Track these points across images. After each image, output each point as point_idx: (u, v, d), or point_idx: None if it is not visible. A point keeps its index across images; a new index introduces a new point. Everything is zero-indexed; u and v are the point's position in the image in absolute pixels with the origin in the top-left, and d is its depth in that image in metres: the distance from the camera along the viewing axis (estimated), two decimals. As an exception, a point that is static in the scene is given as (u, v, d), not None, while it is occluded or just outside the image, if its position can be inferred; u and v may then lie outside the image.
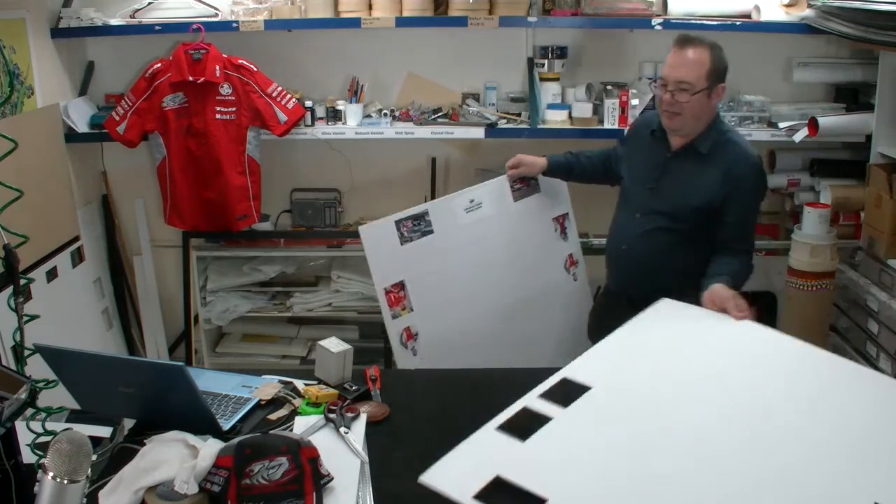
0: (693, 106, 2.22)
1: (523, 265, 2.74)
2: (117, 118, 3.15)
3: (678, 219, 2.31)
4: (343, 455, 1.64)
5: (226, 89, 3.11)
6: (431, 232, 2.56)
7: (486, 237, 2.66)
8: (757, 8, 3.12)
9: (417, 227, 2.54)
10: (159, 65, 3.11)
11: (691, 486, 1.37)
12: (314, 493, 1.47)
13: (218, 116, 3.13)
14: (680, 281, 2.20)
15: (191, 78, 3.06)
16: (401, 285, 2.51)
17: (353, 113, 3.23)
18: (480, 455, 1.45)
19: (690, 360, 1.77)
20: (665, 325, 1.94)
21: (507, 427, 1.52)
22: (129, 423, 1.84)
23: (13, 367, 1.58)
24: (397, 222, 2.51)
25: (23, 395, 1.39)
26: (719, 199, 2.25)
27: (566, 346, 2.62)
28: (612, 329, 1.92)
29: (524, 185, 2.75)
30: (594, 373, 1.69)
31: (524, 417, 1.54)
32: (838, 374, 1.77)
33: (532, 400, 1.59)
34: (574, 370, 1.71)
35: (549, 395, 1.61)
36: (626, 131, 2.77)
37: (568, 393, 1.62)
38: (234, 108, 3.14)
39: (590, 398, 1.60)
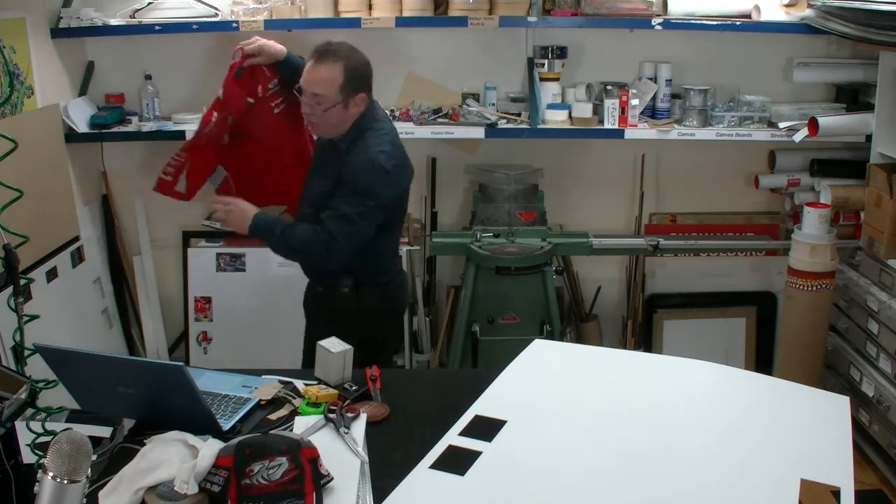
0: (330, 116, 2.32)
1: None
2: (169, 178, 2.70)
3: (313, 205, 2.41)
4: (343, 455, 1.64)
5: (273, 83, 2.71)
6: (244, 271, 3.35)
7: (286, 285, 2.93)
8: (757, 8, 3.12)
9: (232, 263, 3.34)
10: (215, 115, 2.64)
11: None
12: (314, 493, 1.47)
13: (276, 111, 2.74)
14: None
15: (250, 100, 2.66)
16: (208, 300, 3.36)
17: (353, 113, 3.20)
18: (425, 493, 1.49)
19: (583, 391, 1.87)
20: (547, 362, 2.04)
21: (440, 465, 1.56)
22: (129, 423, 1.84)
23: (13, 367, 1.59)
24: (217, 254, 3.32)
25: (23, 395, 1.39)
26: (334, 187, 2.35)
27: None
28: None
29: None
30: (502, 408, 1.76)
31: (453, 455, 1.59)
32: (711, 380, 1.90)
33: (454, 438, 1.65)
34: (482, 407, 1.77)
35: (469, 432, 1.67)
36: None
37: (486, 428, 1.68)
38: (280, 99, 2.74)
39: (509, 431, 1.67)
